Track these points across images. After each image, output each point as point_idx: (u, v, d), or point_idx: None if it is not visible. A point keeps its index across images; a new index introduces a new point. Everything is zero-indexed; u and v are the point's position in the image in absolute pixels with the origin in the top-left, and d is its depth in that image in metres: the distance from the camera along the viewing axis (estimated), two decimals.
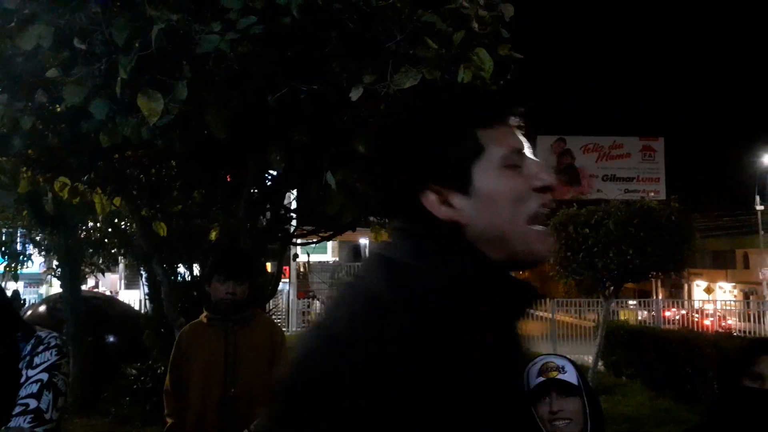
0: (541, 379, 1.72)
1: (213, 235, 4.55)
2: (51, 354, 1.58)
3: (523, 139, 0.85)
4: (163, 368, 5.47)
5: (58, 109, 3.31)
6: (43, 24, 2.79)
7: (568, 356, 1.88)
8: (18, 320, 1.66)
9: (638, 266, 8.75)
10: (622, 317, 16.84)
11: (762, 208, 28.64)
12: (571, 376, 1.72)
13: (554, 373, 1.71)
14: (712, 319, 19.99)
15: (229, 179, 3.98)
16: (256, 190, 3.98)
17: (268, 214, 4.26)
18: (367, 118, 3.12)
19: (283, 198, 4.31)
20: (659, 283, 27.37)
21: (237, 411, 2.54)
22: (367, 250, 30.76)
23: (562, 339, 15.47)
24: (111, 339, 7.74)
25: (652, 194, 24.01)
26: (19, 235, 12.05)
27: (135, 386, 6.47)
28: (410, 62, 3.02)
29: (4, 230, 12.21)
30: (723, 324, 18.39)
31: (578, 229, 9.04)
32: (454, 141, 0.79)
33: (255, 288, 2.88)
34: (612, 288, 9.48)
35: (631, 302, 20.02)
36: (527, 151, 0.84)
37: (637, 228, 8.62)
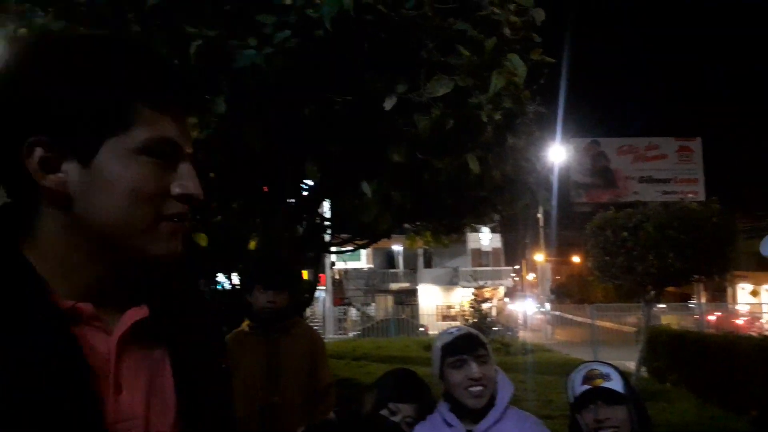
0: (587, 387, 1.68)
1: (252, 244, 4.63)
2: None
3: (184, 135, 0.71)
4: None
5: None
6: None
7: (610, 363, 1.85)
8: None
9: (679, 270, 8.55)
10: (663, 321, 16.44)
11: None
12: (616, 384, 1.68)
13: (599, 381, 1.67)
14: (743, 319, 19.35)
15: (266, 190, 4.05)
16: (293, 201, 4.04)
17: (305, 223, 4.32)
18: (401, 127, 3.14)
19: (319, 208, 4.36)
20: (702, 287, 26.62)
21: (278, 419, 2.57)
22: (401, 257, 30.74)
23: (601, 345, 15.20)
24: None
25: (691, 195, 23.44)
26: None
27: None
28: (443, 70, 3.03)
29: None
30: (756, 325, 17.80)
31: (617, 233, 8.88)
32: (98, 100, 0.65)
33: (294, 296, 2.92)
34: (653, 292, 9.28)
35: (660, 306, 19.46)
36: (183, 148, 0.71)
37: (677, 230, 8.43)
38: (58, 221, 0.67)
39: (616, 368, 1.75)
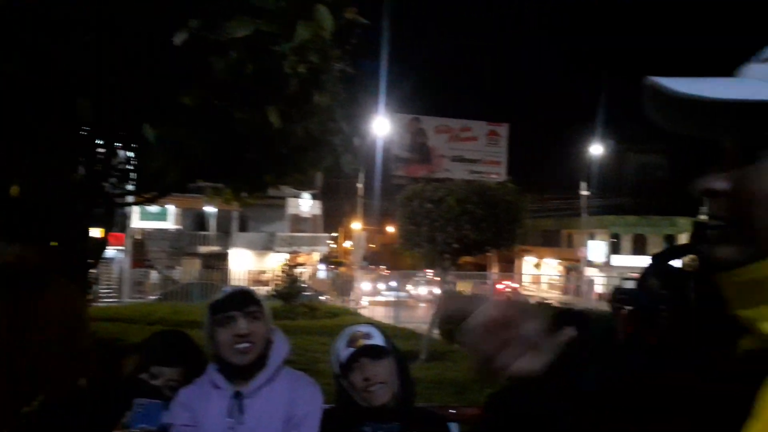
0: (351, 349, 1.72)
1: (14, 190, 3.95)
2: None
3: None
4: None
5: None
6: None
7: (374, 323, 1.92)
8: None
9: (474, 241, 9.27)
10: (459, 288, 17.92)
11: (587, 193, 31.91)
12: (378, 339, 1.75)
13: (361, 341, 1.73)
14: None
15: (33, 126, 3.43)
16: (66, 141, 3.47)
17: (82, 168, 3.76)
18: (196, 67, 2.84)
19: (95, 151, 3.83)
20: (495, 259, 29.48)
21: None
22: (214, 219, 29.42)
23: (404, 308, 16.13)
24: None
25: (495, 176, 25.64)
26: None
27: None
28: (244, 11, 2.79)
29: None
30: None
31: (422, 204, 9.35)
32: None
33: (51, 251, 2.52)
34: (449, 260, 9.96)
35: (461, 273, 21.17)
36: None
37: (475, 205, 9.11)
38: None
39: (376, 327, 1.84)
